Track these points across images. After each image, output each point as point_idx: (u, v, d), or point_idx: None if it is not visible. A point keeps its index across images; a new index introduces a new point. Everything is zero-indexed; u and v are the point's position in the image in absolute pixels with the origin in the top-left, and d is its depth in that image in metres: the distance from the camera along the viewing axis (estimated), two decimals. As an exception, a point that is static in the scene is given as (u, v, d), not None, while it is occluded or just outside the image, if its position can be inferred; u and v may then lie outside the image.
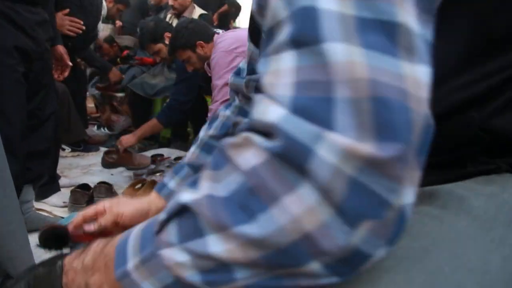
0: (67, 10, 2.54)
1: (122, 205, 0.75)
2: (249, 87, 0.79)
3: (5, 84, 1.26)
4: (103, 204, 0.74)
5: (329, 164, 0.30)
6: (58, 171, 2.34)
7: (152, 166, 2.72)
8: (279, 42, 0.33)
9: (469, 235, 0.43)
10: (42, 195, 2.11)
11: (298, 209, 0.30)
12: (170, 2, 3.48)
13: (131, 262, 0.41)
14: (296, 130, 0.30)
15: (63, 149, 3.02)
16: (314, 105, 0.30)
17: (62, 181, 2.34)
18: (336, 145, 0.29)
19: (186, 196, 0.36)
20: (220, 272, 0.35)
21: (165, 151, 3.11)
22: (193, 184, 0.38)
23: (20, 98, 1.85)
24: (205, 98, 3.03)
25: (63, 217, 1.94)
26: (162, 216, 0.39)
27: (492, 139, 0.46)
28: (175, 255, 0.37)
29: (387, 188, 0.30)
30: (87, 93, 3.63)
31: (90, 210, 0.74)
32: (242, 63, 0.88)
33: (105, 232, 0.70)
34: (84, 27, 2.60)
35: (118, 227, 0.72)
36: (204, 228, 0.34)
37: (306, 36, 0.32)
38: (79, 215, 0.73)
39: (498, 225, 0.44)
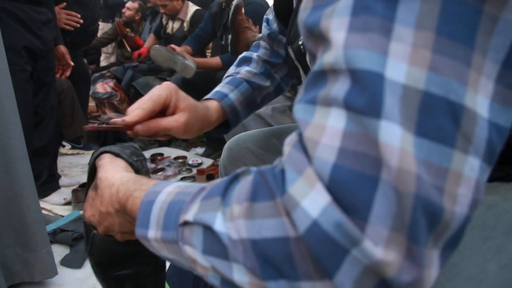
0: (64, 4, 2.50)
1: (192, 125, 0.69)
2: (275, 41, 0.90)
3: (14, 83, 1.29)
4: (173, 103, 0.67)
5: (353, 277, 0.29)
6: (58, 170, 2.34)
7: (152, 165, 2.72)
8: (332, 95, 0.31)
9: (467, 244, 0.43)
10: (42, 193, 2.11)
11: None
12: (161, 10, 3.48)
13: (152, 232, 0.43)
14: (335, 231, 0.29)
15: (63, 146, 3.03)
16: (355, 183, 0.29)
17: (62, 181, 2.34)
18: (366, 257, 0.29)
19: (217, 223, 0.36)
20: None
21: (165, 150, 3.12)
22: (227, 202, 0.36)
23: (28, 97, 1.88)
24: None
25: (63, 216, 1.94)
26: (189, 217, 0.38)
27: (506, 148, 0.46)
28: (197, 258, 0.38)
29: None
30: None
31: (159, 105, 0.65)
32: (269, 14, 0.93)
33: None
34: (81, 21, 2.56)
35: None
36: (231, 258, 0.35)
37: (364, 106, 0.29)
38: (146, 107, 0.64)
39: (497, 234, 0.44)
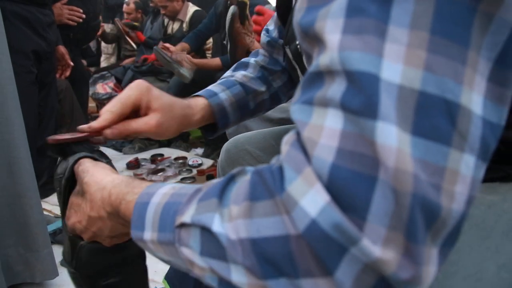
0: (66, 0, 2.51)
1: (167, 127, 0.64)
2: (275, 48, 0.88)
3: (20, 86, 1.30)
4: (145, 104, 0.62)
5: (352, 274, 0.29)
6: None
7: (152, 166, 2.73)
8: (329, 96, 0.31)
9: (466, 242, 0.44)
10: (42, 194, 2.11)
11: None
12: (162, 11, 3.49)
13: (148, 234, 0.43)
14: (333, 230, 0.29)
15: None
16: (353, 183, 0.29)
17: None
18: (365, 255, 0.29)
19: (215, 224, 0.36)
20: None
21: (165, 151, 3.12)
22: (224, 203, 0.36)
23: (33, 99, 1.90)
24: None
25: (63, 216, 1.94)
26: (186, 219, 0.38)
27: (506, 148, 0.46)
28: (195, 259, 0.38)
29: None
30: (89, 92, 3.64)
31: (128, 107, 0.61)
32: (270, 24, 0.92)
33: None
34: (84, 16, 2.56)
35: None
36: (229, 259, 0.35)
37: (360, 107, 0.30)
38: (114, 109, 0.60)
39: (495, 234, 0.45)
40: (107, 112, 0.60)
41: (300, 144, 0.32)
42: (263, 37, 0.92)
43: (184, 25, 3.44)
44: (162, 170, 2.64)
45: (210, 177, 2.52)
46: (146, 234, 0.43)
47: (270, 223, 0.32)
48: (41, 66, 1.94)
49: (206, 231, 0.36)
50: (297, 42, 0.64)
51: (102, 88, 3.59)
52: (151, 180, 2.38)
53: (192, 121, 0.72)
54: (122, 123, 0.60)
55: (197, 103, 0.74)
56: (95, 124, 0.59)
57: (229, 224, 0.35)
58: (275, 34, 0.90)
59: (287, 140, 0.34)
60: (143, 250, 0.56)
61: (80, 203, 0.53)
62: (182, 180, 2.54)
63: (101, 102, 3.62)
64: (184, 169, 2.68)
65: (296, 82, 0.81)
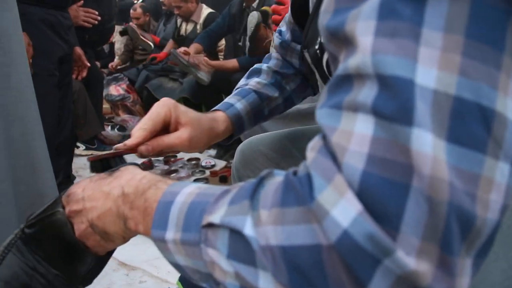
0: (81, 2, 2.55)
1: (197, 140, 0.67)
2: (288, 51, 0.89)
3: (43, 88, 1.32)
4: (174, 120, 0.65)
5: (386, 287, 0.29)
6: (73, 171, 2.37)
7: (166, 167, 2.74)
8: (359, 101, 0.31)
9: (492, 249, 0.44)
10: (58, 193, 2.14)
11: None
12: (175, 11, 3.50)
13: (171, 233, 0.41)
14: (366, 241, 0.29)
15: (77, 147, 3.07)
16: (386, 191, 0.29)
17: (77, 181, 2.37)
18: (398, 267, 0.28)
19: (247, 228, 0.35)
20: None
21: (178, 152, 3.13)
22: (255, 206, 0.36)
23: (55, 102, 1.94)
24: (222, 95, 3.10)
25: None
26: (215, 219, 0.38)
27: None
28: (220, 262, 0.37)
29: None
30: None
31: (159, 124, 0.64)
32: (282, 26, 0.92)
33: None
34: (99, 18, 2.61)
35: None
36: (259, 265, 0.34)
37: (394, 112, 0.29)
38: (147, 128, 0.63)
39: None
40: (140, 130, 0.62)
41: (328, 150, 0.32)
42: (276, 40, 0.91)
43: (198, 27, 3.46)
44: (175, 171, 2.66)
45: (223, 178, 2.52)
46: (168, 234, 0.42)
47: (300, 231, 0.31)
48: (61, 68, 1.98)
49: (236, 233, 0.36)
50: (316, 47, 0.63)
51: (115, 89, 3.62)
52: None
53: (218, 133, 0.75)
54: (155, 139, 0.63)
55: (219, 116, 0.77)
56: (129, 142, 0.61)
57: (259, 229, 0.34)
58: (287, 36, 0.89)
59: (313, 146, 0.34)
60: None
61: (104, 178, 0.51)
62: (195, 181, 2.55)
63: (115, 103, 3.66)
64: (197, 170, 2.69)
65: (314, 85, 0.81)
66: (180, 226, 0.41)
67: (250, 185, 0.38)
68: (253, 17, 2.49)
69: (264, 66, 0.90)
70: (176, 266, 0.43)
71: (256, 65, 0.91)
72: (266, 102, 0.85)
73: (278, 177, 0.38)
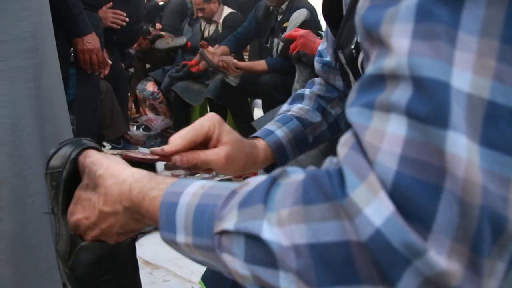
0: (111, 4, 2.60)
1: (235, 161, 0.63)
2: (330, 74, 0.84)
3: (92, 90, 1.36)
4: (216, 136, 0.62)
5: (414, 286, 0.29)
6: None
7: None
8: (392, 101, 0.31)
9: None
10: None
11: None
12: (199, 14, 3.51)
13: (181, 237, 0.41)
14: (398, 241, 0.29)
15: (104, 146, 3.13)
16: (418, 192, 0.29)
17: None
18: (429, 267, 0.29)
19: (265, 231, 0.34)
20: None
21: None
22: (271, 207, 0.35)
23: (94, 102, 2.01)
24: (247, 99, 3.12)
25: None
26: (228, 226, 0.37)
27: None
28: (237, 266, 0.37)
29: None
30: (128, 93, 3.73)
31: (201, 136, 0.61)
32: (321, 47, 0.88)
33: None
34: (127, 19, 2.65)
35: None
36: (280, 266, 0.34)
37: (429, 114, 0.29)
38: (187, 137, 0.61)
39: None
40: (179, 138, 0.60)
41: (360, 147, 0.32)
42: (317, 65, 0.87)
43: (219, 27, 3.48)
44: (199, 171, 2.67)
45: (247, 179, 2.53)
46: (179, 237, 0.41)
47: (329, 228, 0.31)
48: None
49: (252, 238, 0.35)
50: (352, 47, 0.63)
51: (152, 85, 3.67)
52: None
53: (257, 160, 0.70)
54: (192, 152, 0.60)
55: (259, 143, 0.72)
56: (167, 148, 0.59)
57: (280, 229, 0.34)
58: (329, 56, 0.86)
59: (345, 142, 0.34)
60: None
61: (90, 197, 0.51)
62: (220, 181, 2.55)
63: (145, 99, 3.72)
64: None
65: (349, 87, 0.79)
66: (190, 230, 0.41)
67: (261, 186, 0.37)
68: (300, 14, 2.49)
69: (307, 91, 0.86)
70: (195, 260, 0.43)
71: (299, 91, 0.88)
72: (310, 129, 0.79)
73: (295, 175, 0.38)
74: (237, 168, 0.65)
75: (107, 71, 2.45)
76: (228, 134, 0.63)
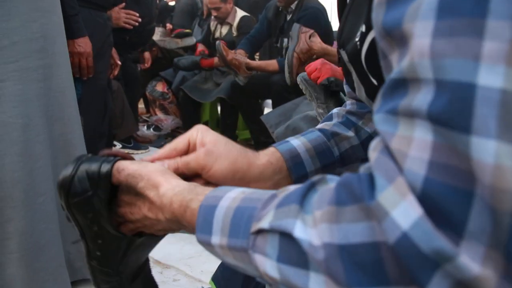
0: (123, 4, 2.60)
1: (218, 157, 0.56)
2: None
3: (94, 89, 1.37)
4: (199, 141, 0.57)
5: None
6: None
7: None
8: (414, 106, 0.30)
9: None
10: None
11: None
12: (213, 13, 3.49)
13: (217, 238, 0.41)
14: (426, 245, 0.28)
15: (114, 145, 3.15)
16: (449, 198, 0.28)
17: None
18: (460, 272, 0.28)
19: (297, 230, 0.34)
20: None
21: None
22: (307, 210, 0.35)
23: (101, 103, 2.03)
24: (259, 100, 3.11)
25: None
26: (264, 224, 0.37)
27: None
28: (268, 269, 0.37)
29: None
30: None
31: (182, 143, 0.57)
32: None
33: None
34: (140, 20, 2.66)
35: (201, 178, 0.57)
36: (310, 265, 0.34)
37: (452, 119, 0.28)
38: (169, 146, 0.58)
39: None
40: (162, 149, 0.58)
41: (390, 153, 0.31)
42: (346, 87, 0.80)
43: (233, 30, 3.47)
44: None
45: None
46: (214, 239, 0.42)
47: (358, 229, 0.31)
48: (105, 68, 2.08)
49: (286, 236, 0.35)
50: (357, 39, 0.58)
51: (161, 86, 3.69)
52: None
53: (254, 163, 0.60)
54: (175, 158, 0.57)
55: (266, 150, 0.65)
56: (146, 158, 0.57)
57: (313, 230, 0.33)
58: None
59: (375, 147, 0.33)
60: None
61: (135, 201, 0.51)
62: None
63: (154, 100, 3.74)
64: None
65: (352, 89, 0.76)
66: (226, 232, 0.41)
67: (299, 189, 0.38)
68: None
69: (335, 109, 0.78)
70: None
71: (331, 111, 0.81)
72: (334, 140, 0.71)
73: (333, 182, 0.37)
74: (223, 167, 0.56)
75: (116, 72, 2.46)
76: (212, 135, 0.58)
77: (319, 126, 0.74)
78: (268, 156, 0.62)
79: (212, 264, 1.53)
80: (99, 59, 1.91)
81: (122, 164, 0.51)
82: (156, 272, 1.52)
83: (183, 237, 1.78)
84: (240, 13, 3.48)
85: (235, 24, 3.44)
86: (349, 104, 0.80)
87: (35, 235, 1.10)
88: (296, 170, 0.65)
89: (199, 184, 0.53)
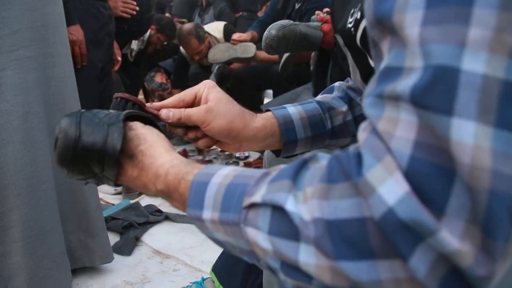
0: None
1: (217, 115, 0.62)
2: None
3: (87, 80, 1.37)
4: (204, 96, 0.63)
5: (427, 262, 0.30)
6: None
7: (200, 157, 2.78)
8: (398, 90, 0.31)
9: None
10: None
11: (400, 274, 0.31)
12: (196, 58, 3.13)
13: (208, 213, 0.42)
14: (411, 220, 0.29)
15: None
16: (432, 175, 0.29)
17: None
18: (442, 246, 0.29)
19: (289, 204, 0.36)
20: (300, 274, 0.36)
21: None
22: (298, 186, 0.36)
23: (97, 93, 2.03)
24: (260, 93, 3.11)
25: (114, 204, 2.01)
26: (256, 198, 0.38)
27: None
28: (260, 240, 0.38)
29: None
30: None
31: (189, 95, 0.64)
32: None
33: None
34: (137, 8, 2.64)
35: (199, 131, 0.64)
36: (301, 237, 0.35)
37: (434, 103, 0.29)
38: (178, 96, 0.65)
39: None
40: (172, 97, 0.64)
41: (377, 134, 0.32)
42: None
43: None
44: (209, 161, 2.68)
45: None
46: (205, 213, 0.43)
47: (346, 205, 0.32)
48: (103, 57, 2.06)
49: (277, 210, 0.37)
50: (350, 25, 0.61)
51: (160, 76, 3.65)
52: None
53: (249, 125, 0.66)
54: (179, 108, 0.63)
55: (262, 114, 0.70)
56: (157, 103, 0.63)
57: (304, 206, 0.35)
58: None
59: (365, 128, 0.34)
60: None
61: (123, 164, 0.51)
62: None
63: (153, 90, 3.72)
64: (231, 161, 2.71)
65: (347, 72, 0.77)
66: (218, 207, 0.42)
67: (291, 166, 0.39)
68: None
69: (337, 83, 0.81)
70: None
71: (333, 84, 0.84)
72: (329, 114, 0.74)
73: (324, 160, 0.38)
74: (222, 124, 0.62)
75: (117, 68, 2.45)
76: (216, 93, 0.64)
77: (319, 97, 0.77)
78: (264, 121, 0.68)
79: (212, 254, 1.51)
80: (94, 48, 1.90)
81: (133, 125, 0.54)
82: (156, 262, 1.53)
83: (183, 227, 1.79)
84: (215, 34, 3.19)
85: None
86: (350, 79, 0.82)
87: (39, 222, 1.11)
88: (287, 135, 0.70)
89: (198, 134, 0.64)
